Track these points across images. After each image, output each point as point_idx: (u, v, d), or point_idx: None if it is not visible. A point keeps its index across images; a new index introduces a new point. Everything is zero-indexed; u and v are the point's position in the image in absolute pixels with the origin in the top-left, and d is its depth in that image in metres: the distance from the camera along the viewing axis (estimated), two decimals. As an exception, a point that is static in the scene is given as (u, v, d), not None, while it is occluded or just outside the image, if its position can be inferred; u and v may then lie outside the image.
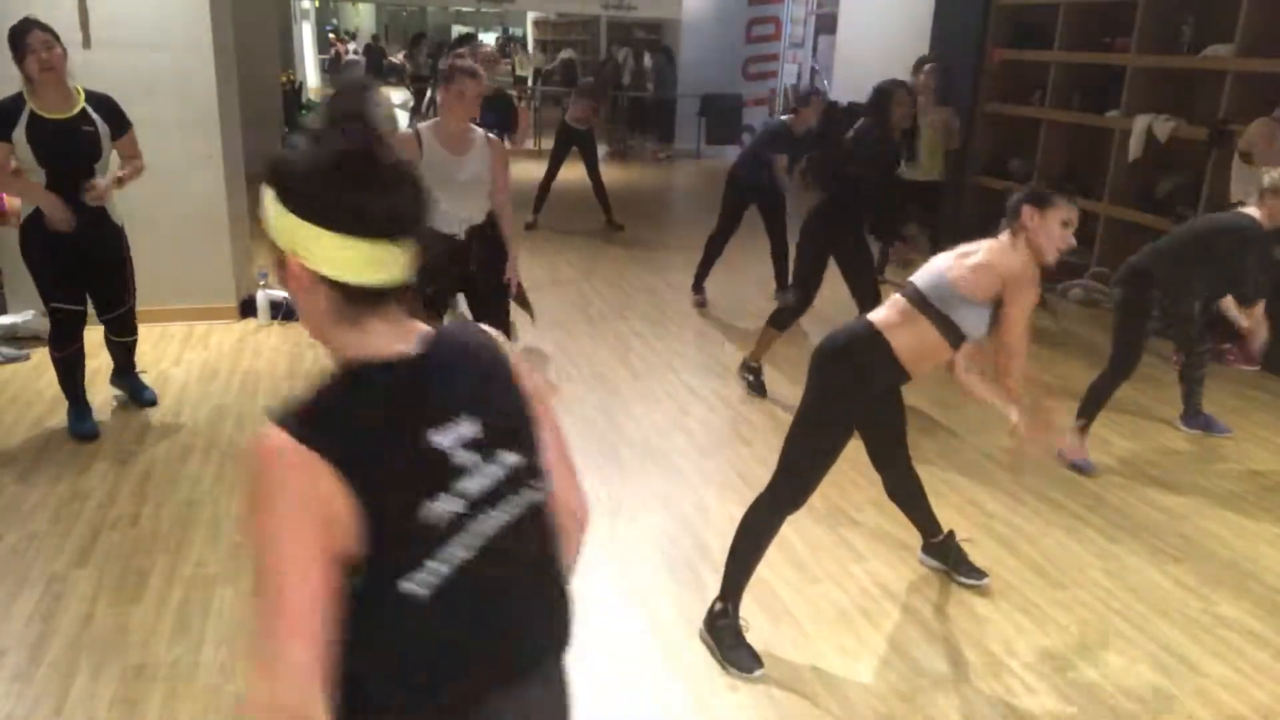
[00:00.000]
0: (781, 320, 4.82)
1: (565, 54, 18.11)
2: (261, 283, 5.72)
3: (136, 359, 4.46)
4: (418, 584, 1.17)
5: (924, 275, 2.81)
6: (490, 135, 4.03)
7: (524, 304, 4.88)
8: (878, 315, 2.81)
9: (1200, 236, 4.12)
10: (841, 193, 4.69)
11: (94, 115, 3.84)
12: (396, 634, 1.18)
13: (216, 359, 5.02)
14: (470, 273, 4.11)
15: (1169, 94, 6.58)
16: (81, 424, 4.07)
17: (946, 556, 3.29)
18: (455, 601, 1.20)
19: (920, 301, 2.76)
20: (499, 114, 6.35)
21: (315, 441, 1.11)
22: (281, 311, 5.65)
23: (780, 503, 2.81)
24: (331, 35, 24.63)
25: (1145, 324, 4.06)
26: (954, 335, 2.75)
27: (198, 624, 2.87)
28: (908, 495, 3.24)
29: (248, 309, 5.70)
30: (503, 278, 4.20)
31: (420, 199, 1.20)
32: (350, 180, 1.13)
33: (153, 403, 4.42)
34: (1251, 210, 4.00)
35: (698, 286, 6.54)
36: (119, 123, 3.95)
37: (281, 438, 1.12)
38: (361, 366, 1.19)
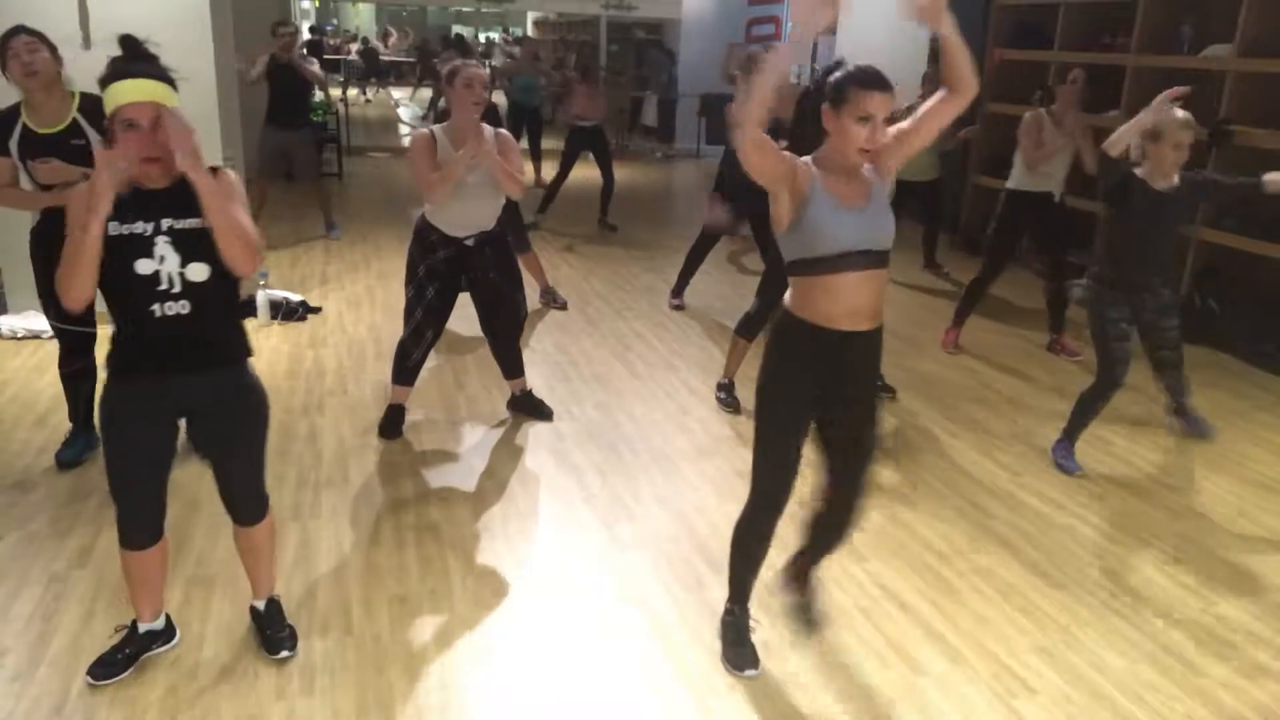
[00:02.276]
0: (748, 328, 4.65)
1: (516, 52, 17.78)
2: (261, 283, 5.72)
3: None
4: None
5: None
6: (500, 131, 3.98)
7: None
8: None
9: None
10: None
11: (85, 126, 3.42)
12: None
13: (216, 359, 5.01)
14: (479, 279, 4.10)
15: (1169, 94, 6.57)
16: (65, 449, 3.81)
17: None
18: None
19: (788, 268, 2.55)
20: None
21: None
22: (281, 312, 5.66)
23: (753, 506, 2.67)
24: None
25: (1124, 332, 3.93)
26: (822, 265, 2.41)
27: (198, 624, 2.87)
28: (815, 521, 2.80)
29: (247, 309, 5.71)
30: (511, 284, 4.18)
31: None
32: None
33: None
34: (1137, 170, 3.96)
35: (677, 293, 6.46)
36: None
37: None
38: None
